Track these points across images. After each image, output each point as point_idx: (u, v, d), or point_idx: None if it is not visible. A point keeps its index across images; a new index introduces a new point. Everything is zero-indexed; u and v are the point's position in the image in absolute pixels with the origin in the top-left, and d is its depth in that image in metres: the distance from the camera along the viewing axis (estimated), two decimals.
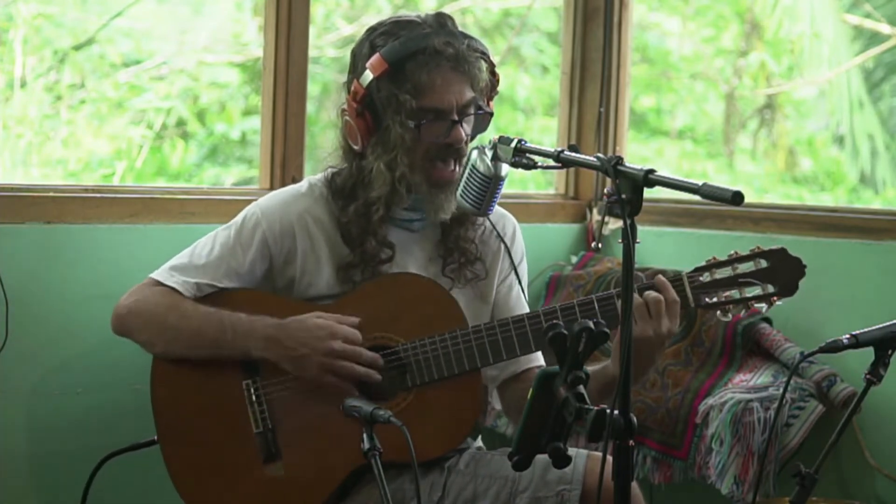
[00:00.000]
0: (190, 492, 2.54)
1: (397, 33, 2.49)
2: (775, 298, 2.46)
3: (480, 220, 2.64)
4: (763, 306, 2.47)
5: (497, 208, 2.62)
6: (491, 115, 2.55)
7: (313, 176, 2.67)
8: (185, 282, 2.54)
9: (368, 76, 2.47)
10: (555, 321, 2.42)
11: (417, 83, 2.46)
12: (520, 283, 2.70)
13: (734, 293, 2.46)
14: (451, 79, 2.48)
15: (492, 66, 2.55)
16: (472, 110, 2.52)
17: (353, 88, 2.50)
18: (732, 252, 2.49)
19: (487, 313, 2.66)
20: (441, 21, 2.50)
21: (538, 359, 2.66)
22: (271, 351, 2.48)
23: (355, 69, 2.53)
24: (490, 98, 2.58)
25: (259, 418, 2.51)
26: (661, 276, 2.45)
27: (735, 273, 2.46)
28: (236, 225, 2.58)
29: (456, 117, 2.49)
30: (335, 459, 2.49)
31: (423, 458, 2.42)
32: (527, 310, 2.69)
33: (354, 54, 2.55)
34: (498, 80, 2.58)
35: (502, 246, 2.67)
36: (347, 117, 2.53)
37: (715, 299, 2.46)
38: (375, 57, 2.47)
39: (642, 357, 2.42)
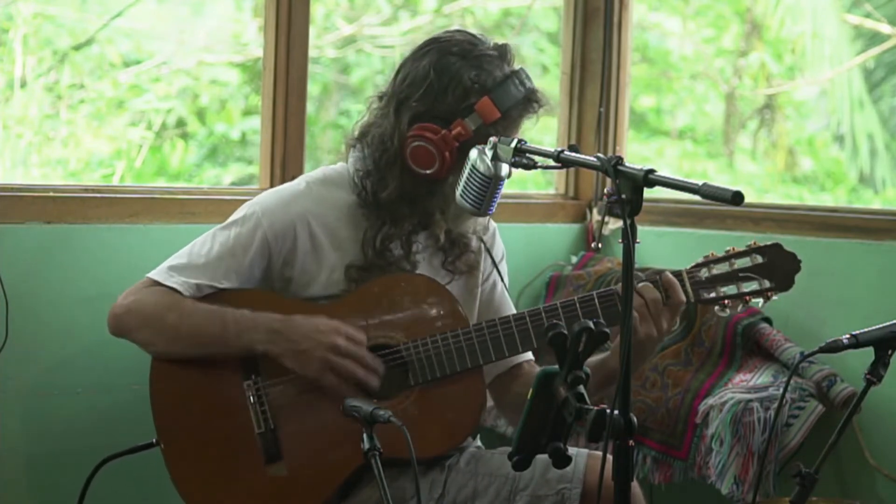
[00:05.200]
0: (191, 493, 2.53)
1: (492, 71, 2.52)
2: (772, 293, 2.50)
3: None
4: (760, 301, 2.50)
5: None
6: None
7: (309, 174, 2.67)
8: (185, 282, 2.53)
9: (477, 121, 2.51)
10: (555, 321, 2.43)
11: (511, 127, 2.54)
12: (503, 280, 2.72)
13: (732, 288, 2.50)
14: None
15: None
16: None
17: (457, 129, 2.50)
18: (729, 248, 2.51)
19: (475, 307, 2.68)
20: (511, 53, 2.58)
21: (527, 353, 2.67)
22: (275, 344, 2.48)
23: (445, 99, 2.52)
24: None
25: (260, 419, 2.51)
26: (668, 275, 2.47)
27: (732, 269, 2.50)
28: (236, 224, 2.58)
29: None
30: (336, 459, 2.49)
31: (425, 456, 2.43)
32: (511, 306, 2.74)
33: (441, 80, 2.52)
34: None
35: (482, 245, 2.70)
36: (428, 145, 2.51)
37: (713, 294, 2.50)
38: (487, 103, 2.50)
39: (641, 353, 2.45)
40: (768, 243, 2.51)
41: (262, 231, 2.55)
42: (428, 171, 2.52)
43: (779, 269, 2.50)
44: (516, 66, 2.57)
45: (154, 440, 2.57)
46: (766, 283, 2.49)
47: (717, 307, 2.51)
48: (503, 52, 2.57)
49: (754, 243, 2.51)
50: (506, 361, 2.65)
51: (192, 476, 2.54)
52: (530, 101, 2.55)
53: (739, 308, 2.52)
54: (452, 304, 2.54)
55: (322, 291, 2.56)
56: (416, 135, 2.52)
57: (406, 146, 2.52)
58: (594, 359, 2.49)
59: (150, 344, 2.56)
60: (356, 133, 2.63)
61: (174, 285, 2.53)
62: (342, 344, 2.45)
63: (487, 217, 2.71)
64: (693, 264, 2.52)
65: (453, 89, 2.52)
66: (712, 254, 2.52)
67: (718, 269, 2.50)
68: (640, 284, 2.46)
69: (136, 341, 2.57)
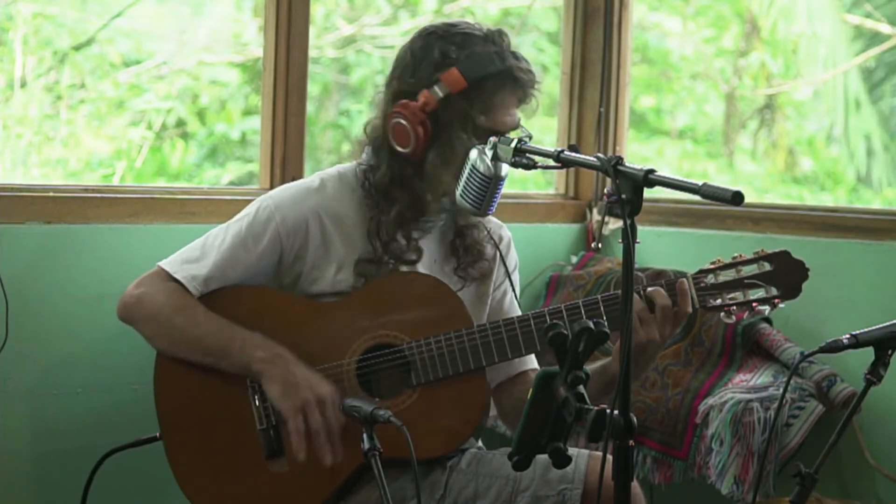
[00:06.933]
0: (193, 488, 2.54)
1: (469, 47, 2.52)
2: (778, 301, 2.47)
3: (484, 222, 2.67)
4: (766, 308, 2.47)
5: (495, 219, 2.65)
6: (531, 136, 2.58)
7: (324, 171, 2.68)
8: (195, 277, 2.54)
9: (444, 90, 2.50)
10: (555, 321, 2.42)
11: (490, 104, 2.51)
12: (514, 290, 2.72)
13: (738, 295, 2.47)
14: (514, 103, 2.54)
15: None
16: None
17: (422, 99, 2.50)
18: (736, 255, 2.49)
19: (484, 314, 2.68)
20: (506, 40, 2.55)
21: (532, 361, 2.68)
22: (272, 365, 2.47)
23: (416, 73, 2.54)
24: None
25: (262, 415, 2.51)
26: (683, 283, 2.46)
27: (739, 276, 2.47)
28: (248, 217, 2.58)
29: None
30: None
31: (427, 456, 2.43)
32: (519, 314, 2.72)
33: (416, 56, 2.55)
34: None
35: (497, 253, 2.70)
36: (401, 120, 2.52)
37: (719, 301, 2.47)
38: (453, 72, 2.49)
39: (643, 358, 2.44)
40: (776, 250, 2.48)
41: (274, 224, 2.56)
42: (406, 150, 2.53)
43: (786, 277, 2.46)
44: (509, 49, 2.54)
45: (157, 434, 2.58)
46: (773, 291, 2.45)
47: (722, 313, 2.49)
48: (491, 35, 2.55)
49: (762, 251, 2.48)
50: (509, 368, 2.65)
51: (194, 471, 2.54)
52: (508, 76, 2.51)
53: (745, 315, 2.50)
54: (458, 305, 2.54)
55: (330, 288, 2.57)
56: (394, 112, 2.54)
57: (388, 126, 2.55)
58: (595, 364, 2.48)
59: (154, 339, 2.56)
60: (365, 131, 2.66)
61: (182, 279, 2.54)
62: (329, 403, 2.44)
63: (501, 225, 2.73)
64: (699, 270, 2.49)
65: (426, 64, 2.53)
66: (719, 260, 2.49)
67: (725, 276, 2.47)
68: (651, 289, 2.44)
69: (141, 333, 2.58)
